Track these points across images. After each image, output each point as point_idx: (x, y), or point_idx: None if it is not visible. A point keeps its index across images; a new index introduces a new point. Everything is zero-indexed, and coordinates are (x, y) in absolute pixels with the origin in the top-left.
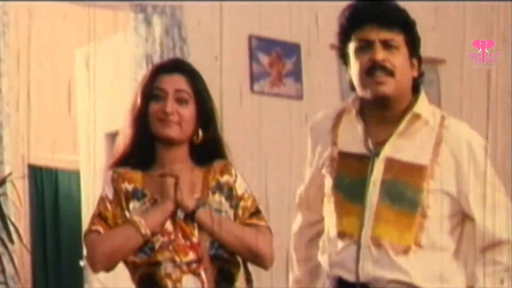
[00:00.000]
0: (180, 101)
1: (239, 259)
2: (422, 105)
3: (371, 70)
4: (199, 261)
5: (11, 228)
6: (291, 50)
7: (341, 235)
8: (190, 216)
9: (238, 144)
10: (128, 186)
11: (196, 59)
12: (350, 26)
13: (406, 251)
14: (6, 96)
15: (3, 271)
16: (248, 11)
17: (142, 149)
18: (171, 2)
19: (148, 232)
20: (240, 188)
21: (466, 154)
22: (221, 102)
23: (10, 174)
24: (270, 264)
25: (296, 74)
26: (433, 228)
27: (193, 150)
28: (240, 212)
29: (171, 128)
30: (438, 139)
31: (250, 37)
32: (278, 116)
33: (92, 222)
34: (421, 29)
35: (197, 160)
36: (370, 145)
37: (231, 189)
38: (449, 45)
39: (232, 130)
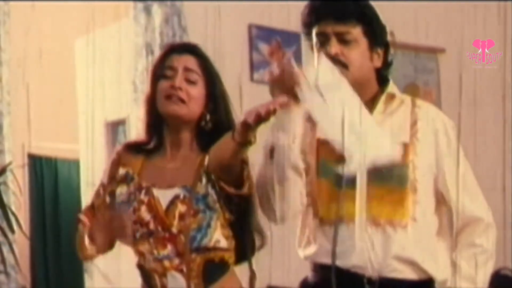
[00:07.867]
0: (189, 81)
1: (232, 245)
2: (394, 88)
3: None
4: (179, 255)
5: (11, 218)
6: (291, 39)
7: (331, 221)
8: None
9: None
10: (122, 171)
11: None
12: (309, 22)
13: (404, 226)
14: (7, 85)
15: (3, 261)
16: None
17: (152, 132)
18: None
19: None
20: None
21: (441, 131)
22: None
23: (10, 163)
24: None
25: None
26: (424, 202)
27: (202, 135)
28: None
29: (177, 106)
30: (413, 118)
31: (250, 26)
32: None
33: (84, 211)
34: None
35: (204, 147)
36: None
37: None
38: (449, 34)
39: None
